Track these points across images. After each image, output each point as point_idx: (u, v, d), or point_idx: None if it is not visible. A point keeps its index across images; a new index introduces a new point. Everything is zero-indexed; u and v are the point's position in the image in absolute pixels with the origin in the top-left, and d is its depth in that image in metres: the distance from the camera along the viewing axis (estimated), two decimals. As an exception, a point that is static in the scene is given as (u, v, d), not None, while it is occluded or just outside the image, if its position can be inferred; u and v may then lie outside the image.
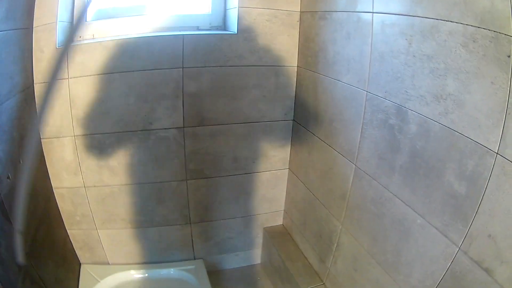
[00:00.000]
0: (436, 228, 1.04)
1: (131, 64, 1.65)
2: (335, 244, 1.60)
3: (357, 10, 1.30)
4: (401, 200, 1.18)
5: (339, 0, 1.43)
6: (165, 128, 1.79)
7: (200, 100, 1.77)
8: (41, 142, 1.79)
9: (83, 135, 1.76)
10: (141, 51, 1.64)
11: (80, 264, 2.13)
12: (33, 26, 1.61)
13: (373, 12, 1.22)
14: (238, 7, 1.67)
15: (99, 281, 2.00)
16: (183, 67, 1.69)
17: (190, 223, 2.07)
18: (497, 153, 0.84)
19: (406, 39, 1.09)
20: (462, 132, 0.93)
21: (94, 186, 1.86)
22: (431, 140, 1.03)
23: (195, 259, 2.16)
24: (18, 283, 1.32)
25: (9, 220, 1.38)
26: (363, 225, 1.40)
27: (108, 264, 2.09)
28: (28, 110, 1.68)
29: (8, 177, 1.44)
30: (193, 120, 1.81)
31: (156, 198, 1.96)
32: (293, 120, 1.91)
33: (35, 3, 1.57)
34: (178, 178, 1.92)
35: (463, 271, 0.96)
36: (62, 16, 1.68)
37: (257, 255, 2.32)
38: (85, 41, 1.67)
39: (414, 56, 1.06)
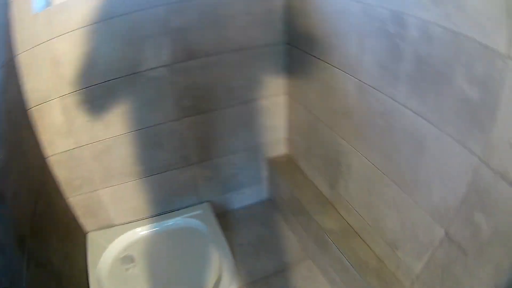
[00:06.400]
0: (451, 137, 0.92)
1: (112, 10, 1.52)
2: (344, 167, 1.51)
3: None
4: (411, 110, 1.05)
5: None
6: (152, 68, 1.67)
7: (187, 34, 1.64)
8: (27, 112, 1.66)
9: (71, 92, 1.63)
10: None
11: (86, 234, 2.09)
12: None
13: None
14: None
15: (107, 247, 1.97)
16: (166, 3, 1.55)
17: (191, 165, 1.99)
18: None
19: None
20: (467, 34, 0.82)
21: (88, 144, 1.75)
22: (435, 44, 0.92)
23: (201, 203, 2.13)
24: (23, 270, 1.25)
25: (3, 201, 1.29)
26: (373, 142, 1.29)
27: (114, 225, 2.06)
28: (14, 83, 1.53)
29: (-3, 155, 1.32)
30: (182, 55, 1.68)
31: (153, 144, 1.87)
32: (288, 44, 1.75)
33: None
34: (173, 118, 1.82)
35: (487, 185, 0.86)
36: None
37: (264, 190, 2.27)
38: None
39: None
